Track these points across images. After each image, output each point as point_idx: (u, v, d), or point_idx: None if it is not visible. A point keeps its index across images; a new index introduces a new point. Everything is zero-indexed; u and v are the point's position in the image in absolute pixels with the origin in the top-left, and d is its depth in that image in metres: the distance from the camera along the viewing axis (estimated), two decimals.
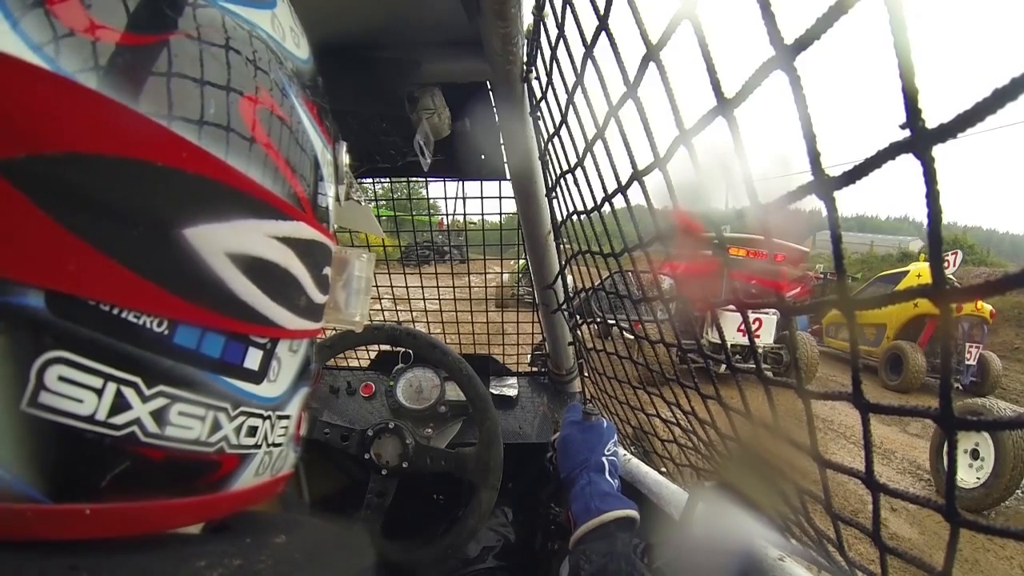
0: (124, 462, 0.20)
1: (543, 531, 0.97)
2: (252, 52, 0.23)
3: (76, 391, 0.18)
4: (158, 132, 0.19)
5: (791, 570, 0.54)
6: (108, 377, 0.19)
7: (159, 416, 0.20)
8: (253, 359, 0.24)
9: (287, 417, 0.27)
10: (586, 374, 1.12)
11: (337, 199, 0.31)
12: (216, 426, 0.22)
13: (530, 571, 0.97)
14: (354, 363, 1.27)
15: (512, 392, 1.15)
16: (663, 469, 0.90)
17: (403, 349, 1.08)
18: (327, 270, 0.29)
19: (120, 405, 0.19)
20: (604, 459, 0.71)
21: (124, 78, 0.19)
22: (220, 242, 0.21)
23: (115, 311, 0.19)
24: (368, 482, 0.87)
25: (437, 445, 0.97)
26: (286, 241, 0.24)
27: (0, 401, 0.17)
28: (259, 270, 0.23)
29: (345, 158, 0.32)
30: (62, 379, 0.18)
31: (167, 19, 0.20)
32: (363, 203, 0.37)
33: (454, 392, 1.02)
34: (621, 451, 0.84)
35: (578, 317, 0.99)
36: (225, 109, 0.22)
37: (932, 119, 0.18)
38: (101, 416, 0.19)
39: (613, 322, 0.80)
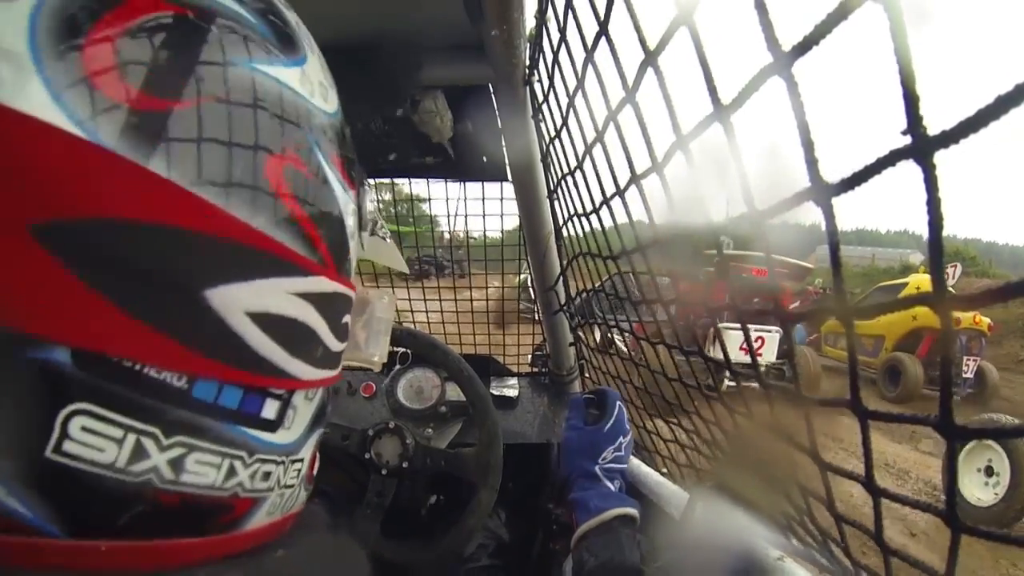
0: (140, 505, 0.20)
1: (544, 531, 0.97)
2: (279, 112, 0.23)
3: (98, 441, 0.19)
4: (183, 197, 0.20)
5: (791, 570, 0.53)
6: (128, 428, 0.20)
7: (176, 464, 0.21)
8: (270, 409, 0.24)
9: (300, 460, 0.28)
10: (587, 375, 1.12)
11: (361, 244, 0.31)
12: (232, 472, 0.23)
13: (525, 570, 0.97)
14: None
15: (512, 392, 1.15)
16: (664, 469, 0.89)
17: (402, 349, 1.08)
18: (347, 318, 0.29)
19: (139, 454, 0.20)
20: (598, 468, 0.69)
21: (150, 143, 0.19)
22: (241, 301, 0.22)
23: (137, 367, 0.20)
24: (368, 482, 0.88)
25: (437, 445, 0.97)
26: (305, 296, 0.24)
27: (26, 448, 0.18)
28: (277, 326, 0.23)
29: (370, 205, 0.32)
30: (85, 429, 0.19)
31: (194, 84, 0.20)
32: (387, 240, 0.37)
33: (454, 392, 1.02)
34: None
35: (579, 318, 0.99)
36: (251, 171, 0.22)
37: (934, 126, 0.18)
38: (120, 464, 0.19)
39: (614, 324, 0.80)
